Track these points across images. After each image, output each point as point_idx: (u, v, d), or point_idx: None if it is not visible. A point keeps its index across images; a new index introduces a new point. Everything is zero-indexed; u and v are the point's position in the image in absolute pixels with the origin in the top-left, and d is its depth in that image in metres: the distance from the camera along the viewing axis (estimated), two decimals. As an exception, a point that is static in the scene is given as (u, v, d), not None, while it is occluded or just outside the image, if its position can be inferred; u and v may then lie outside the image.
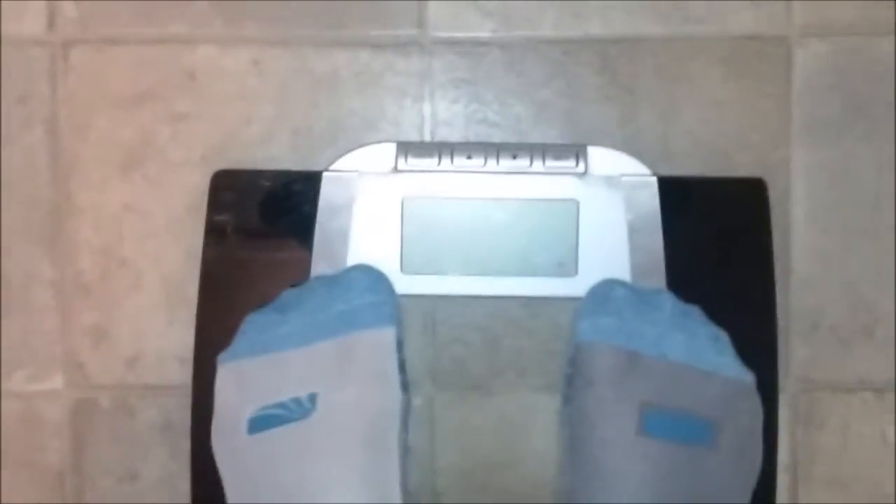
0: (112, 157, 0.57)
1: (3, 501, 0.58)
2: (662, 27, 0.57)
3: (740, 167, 0.57)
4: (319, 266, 0.54)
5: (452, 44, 0.57)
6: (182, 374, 0.57)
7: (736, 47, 0.57)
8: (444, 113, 0.57)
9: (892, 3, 0.57)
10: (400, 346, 0.52)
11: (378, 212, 0.55)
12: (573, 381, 0.52)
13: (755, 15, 0.57)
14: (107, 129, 0.57)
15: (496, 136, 0.57)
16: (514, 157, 0.55)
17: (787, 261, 0.57)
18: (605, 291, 0.53)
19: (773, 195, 0.55)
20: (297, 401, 0.51)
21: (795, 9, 0.57)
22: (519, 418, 0.57)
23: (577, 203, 0.55)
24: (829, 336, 0.57)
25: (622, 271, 0.54)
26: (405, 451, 0.51)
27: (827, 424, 0.57)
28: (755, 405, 0.52)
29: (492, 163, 0.55)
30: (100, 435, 0.58)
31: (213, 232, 0.55)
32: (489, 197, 0.55)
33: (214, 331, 0.54)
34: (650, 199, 0.55)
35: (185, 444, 0.55)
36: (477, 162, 0.55)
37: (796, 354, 0.57)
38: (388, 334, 0.52)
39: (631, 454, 0.50)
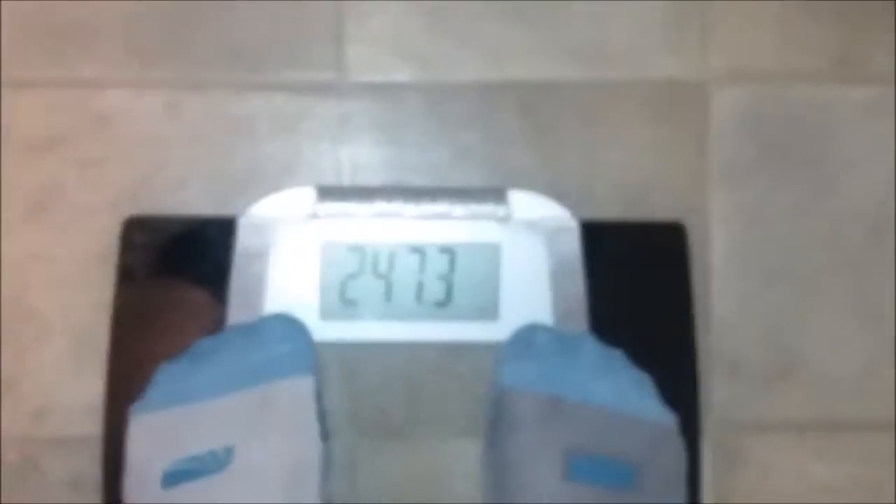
0: (16, 204, 0.56)
1: None
2: (582, 71, 0.57)
3: (660, 210, 0.57)
4: (236, 314, 0.53)
5: (371, 87, 0.57)
6: (92, 426, 0.55)
7: (655, 92, 0.58)
8: (362, 157, 0.57)
9: (807, 50, 0.58)
10: (319, 394, 0.51)
11: (296, 257, 0.54)
12: (496, 426, 0.52)
13: (673, 60, 0.58)
14: (12, 175, 0.56)
15: (416, 181, 0.57)
16: (434, 201, 0.54)
17: (707, 303, 0.57)
18: (527, 336, 0.53)
19: (693, 238, 0.56)
20: (213, 453, 0.50)
21: (713, 54, 0.58)
22: (442, 465, 0.56)
23: (498, 247, 0.54)
24: (749, 377, 0.57)
25: (544, 315, 0.54)
26: (326, 501, 0.50)
27: (749, 464, 0.57)
28: (678, 447, 0.52)
29: (411, 207, 0.54)
30: (7, 491, 0.55)
31: (125, 279, 0.53)
32: (409, 242, 0.54)
33: (126, 381, 0.52)
34: (572, 242, 0.54)
35: (96, 499, 0.53)
36: (396, 206, 0.54)
37: (718, 395, 0.57)
38: (306, 383, 0.51)
39: (557, 500, 0.49)
